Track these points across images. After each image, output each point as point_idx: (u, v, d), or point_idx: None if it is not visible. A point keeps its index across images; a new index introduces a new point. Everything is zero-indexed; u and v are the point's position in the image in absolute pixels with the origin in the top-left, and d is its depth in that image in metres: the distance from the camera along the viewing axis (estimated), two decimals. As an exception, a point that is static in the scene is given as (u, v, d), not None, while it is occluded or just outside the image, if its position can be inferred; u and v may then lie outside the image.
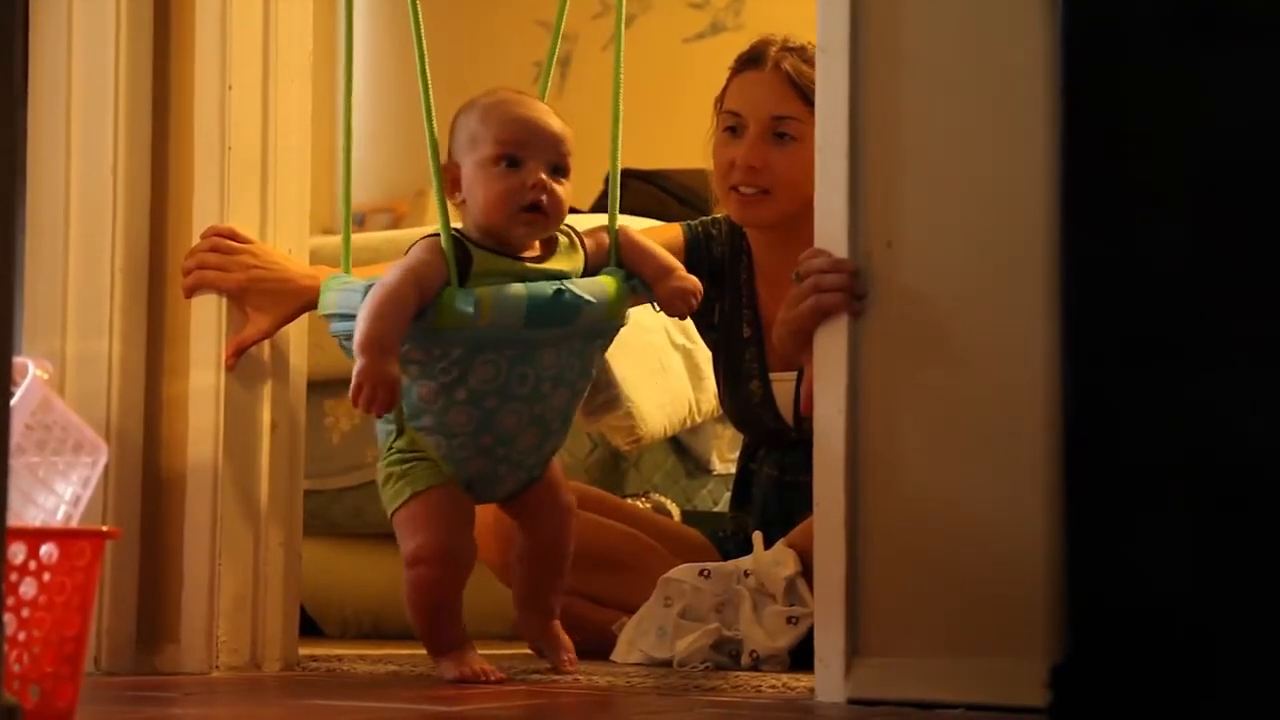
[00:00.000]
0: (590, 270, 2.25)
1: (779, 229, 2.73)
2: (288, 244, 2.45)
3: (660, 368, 3.35)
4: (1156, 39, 1.11)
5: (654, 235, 2.87)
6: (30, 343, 2.36)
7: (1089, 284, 1.12)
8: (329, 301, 2.26)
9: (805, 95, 2.65)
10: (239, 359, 2.36)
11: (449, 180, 2.21)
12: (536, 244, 2.22)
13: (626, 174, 4.04)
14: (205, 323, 2.38)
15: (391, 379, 2.08)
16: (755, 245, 2.81)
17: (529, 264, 2.19)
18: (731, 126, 2.73)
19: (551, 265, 2.21)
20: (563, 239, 2.25)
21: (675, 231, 2.85)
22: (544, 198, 2.17)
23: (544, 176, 2.17)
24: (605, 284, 2.21)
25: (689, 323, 3.05)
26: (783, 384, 2.76)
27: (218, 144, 2.39)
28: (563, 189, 2.19)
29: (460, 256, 2.14)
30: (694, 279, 2.25)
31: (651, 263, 2.27)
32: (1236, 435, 1.08)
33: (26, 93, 2.39)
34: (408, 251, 2.17)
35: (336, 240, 3.77)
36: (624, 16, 2.30)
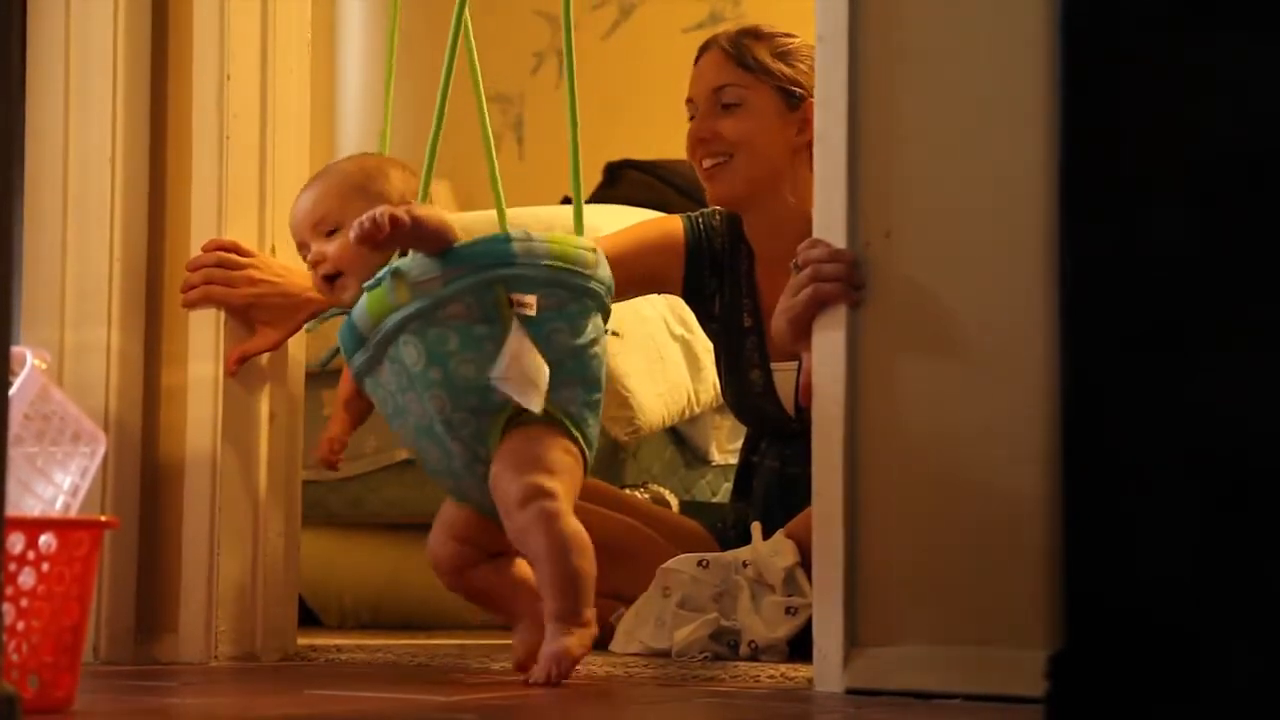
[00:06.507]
0: None
1: (764, 210, 2.74)
2: (285, 237, 2.45)
3: (659, 358, 3.35)
4: (1156, 29, 1.11)
5: (653, 227, 2.88)
6: (28, 332, 2.36)
7: (1088, 275, 1.12)
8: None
9: (743, 63, 2.71)
10: (241, 366, 2.38)
11: None
12: None
13: (626, 164, 4.05)
14: (204, 313, 2.38)
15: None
16: (753, 235, 2.81)
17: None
18: (692, 115, 2.79)
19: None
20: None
21: (675, 223, 2.86)
22: (322, 270, 2.17)
23: (317, 249, 2.17)
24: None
25: (688, 313, 3.05)
26: (784, 374, 2.76)
27: (216, 134, 2.39)
28: (334, 248, 2.16)
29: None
30: (387, 209, 2.01)
31: None
32: (1236, 426, 1.08)
33: (24, 81, 2.39)
34: None
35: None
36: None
